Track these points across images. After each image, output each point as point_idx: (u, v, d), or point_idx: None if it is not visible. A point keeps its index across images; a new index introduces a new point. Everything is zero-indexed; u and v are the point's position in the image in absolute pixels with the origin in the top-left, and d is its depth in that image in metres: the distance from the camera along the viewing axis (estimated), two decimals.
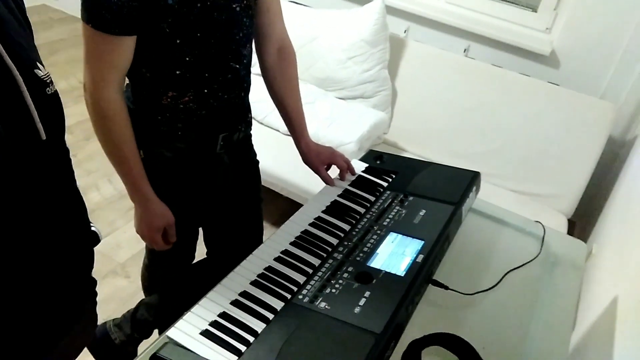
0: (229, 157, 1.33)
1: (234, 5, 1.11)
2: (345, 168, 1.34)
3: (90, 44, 1.03)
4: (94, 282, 0.97)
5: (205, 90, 1.17)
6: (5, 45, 0.67)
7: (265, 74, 1.35)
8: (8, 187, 0.69)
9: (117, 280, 2.11)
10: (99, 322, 1.88)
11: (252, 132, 1.41)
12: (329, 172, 1.37)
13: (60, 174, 0.81)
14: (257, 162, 1.47)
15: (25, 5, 0.82)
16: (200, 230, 1.52)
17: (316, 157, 1.36)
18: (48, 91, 0.75)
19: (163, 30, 1.04)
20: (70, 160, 0.85)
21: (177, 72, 1.11)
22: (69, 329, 0.89)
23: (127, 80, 1.19)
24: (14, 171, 0.69)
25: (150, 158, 1.23)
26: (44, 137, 0.73)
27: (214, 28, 1.09)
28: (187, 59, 1.10)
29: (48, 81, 0.75)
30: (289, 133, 2.30)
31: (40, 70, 0.74)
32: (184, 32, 1.06)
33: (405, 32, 2.80)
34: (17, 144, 0.69)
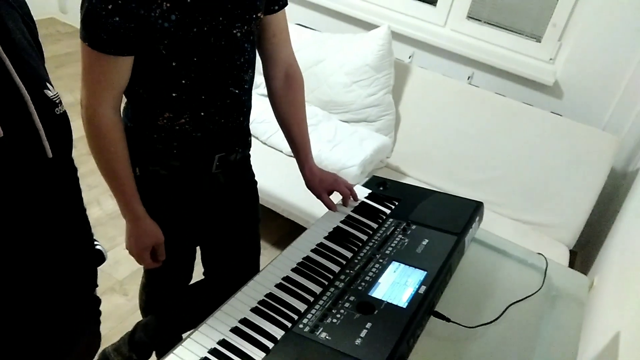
0: (225, 177, 1.33)
1: (235, 31, 1.11)
2: (348, 195, 1.33)
3: (86, 62, 1.04)
4: (98, 301, 0.97)
5: (202, 113, 1.17)
6: (16, 66, 0.69)
7: (271, 98, 1.36)
8: (14, 203, 0.69)
9: (116, 298, 2.09)
10: None
11: (254, 152, 1.41)
12: (331, 195, 1.36)
13: (66, 192, 0.81)
14: (255, 182, 1.47)
15: (34, 19, 0.83)
16: (198, 250, 1.51)
17: (319, 184, 1.36)
18: (57, 111, 0.76)
19: (159, 52, 1.05)
20: (77, 178, 0.85)
21: (173, 95, 1.12)
22: (72, 348, 0.89)
23: (125, 99, 1.20)
24: (19, 188, 0.70)
25: (146, 176, 1.23)
26: (50, 155, 0.74)
27: (211, 52, 1.10)
28: (183, 81, 1.10)
29: (57, 101, 0.77)
30: (292, 154, 2.31)
31: (50, 90, 0.75)
32: (180, 55, 1.06)
33: (410, 57, 2.83)
34: (24, 162, 0.70)
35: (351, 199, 1.34)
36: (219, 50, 1.10)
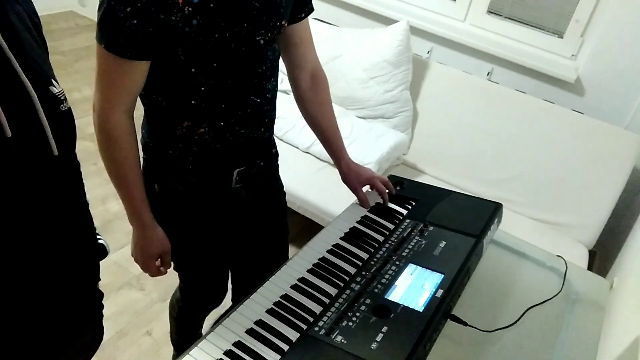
0: (248, 192, 1.29)
1: (258, 38, 1.08)
2: (384, 192, 1.32)
3: (102, 64, 1.02)
4: (100, 295, 0.97)
5: (222, 123, 1.14)
6: (21, 62, 0.68)
7: (300, 101, 1.34)
8: (18, 200, 0.70)
9: (132, 293, 2.11)
10: (112, 333, 1.89)
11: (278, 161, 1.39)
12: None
13: (69, 188, 0.82)
14: (284, 193, 1.44)
15: (53, 12, 0.83)
16: None
17: (356, 178, 1.35)
18: (62, 108, 0.76)
19: (178, 57, 1.02)
20: (80, 174, 0.85)
21: (192, 102, 1.09)
22: (73, 342, 0.89)
23: (144, 112, 1.19)
24: (24, 185, 0.70)
25: (165, 192, 1.22)
26: (55, 152, 0.74)
27: (231, 59, 1.06)
28: (203, 88, 1.07)
29: (62, 98, 0.77)
30: (307, 150, 2.30)
31: (55, 87, 0.75)
32: (199, 60, 1.03)
33: (428, 53, 2.79)
34: (30, 159, 0.70)
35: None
36: (239, 56, 1.07)
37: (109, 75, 1.03)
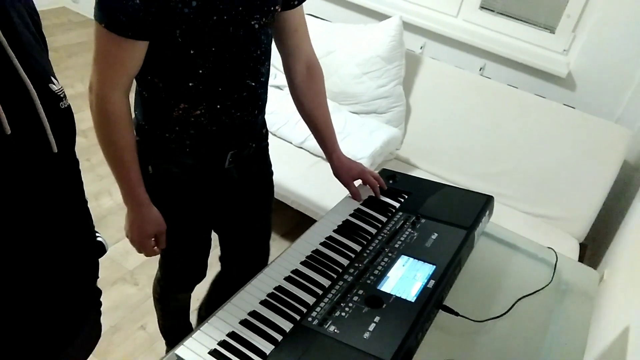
0: (239, 172, 1.33)
1: (253, 22, 1.11)
2: (376, 185, 1.33)
3: (101, 44, 1.02)
4: (98, 293, 0.98)
5: (218, 106, 1.16)
6: (21, 60, 0.68)
7: (294, 91, 1.36)
8: (17, 197, 0.70)
9: (126, 288, 2.12)
10: (107, 328, 1.90)
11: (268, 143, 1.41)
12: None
13: (68, 186, 0.82)
14: (271, 173, 1.47)
15: (45, 8, 0.83)
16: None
17: (347, 172, 1.36)
18: (62, 105, 0.76)
19: (176, 39, 1.04)
20: (79, 171, 0.85)
21: (190, 84, 1.11)
22: (72, 340, 0.89)
23: (138, 95, 1.20)
24: (24, 182, 0.70)
25: (159, 174, 1.23)
26: (55, 149, 0.74)
27: (229, 43, 1.09)
28: (200, 71, 1.10)
29: (62, 95, 0.76)
30: (301, 145, 2.31)
31: (54, 84, 0.75)
32: (198, 43, 1.06)
33: (421, 48, 2.80)
34: (29, 157, 0.70)
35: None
36: (237, 40, 1.10)
37: (108, 55, 1.03)
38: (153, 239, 1.26)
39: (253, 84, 1.19)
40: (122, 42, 1.00)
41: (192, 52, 1.06)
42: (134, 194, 1.18)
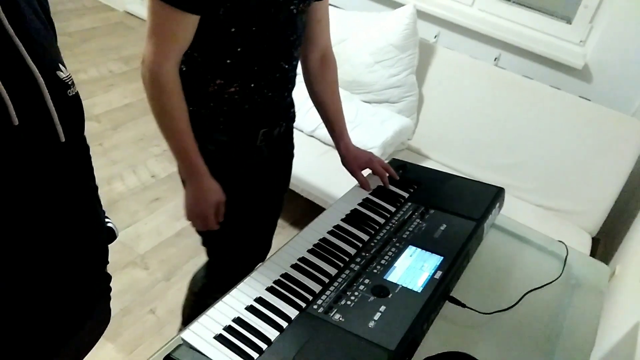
0: (269, 150, 1.35)
1: (292, 7, 1.15)
2: (384, 174, 1.33)
3: (156, 18, 1.05)
4: (108, 278, 0.98)
5: (252, 85, 1.19)
6: (28, 47, 0.67)
7: (307, 76, 1.39)
8: (26, 186, 0.70)
9: (136, 272, 2.13)
10: (117, 310, 1.92)
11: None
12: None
13: (77, 174, 0.81)
14: (293, 155, 1.50)
15: None
16: None
17: (354, 161, 1.37)
18: (69, 93, 0.75)
19: (219, 16, 1.06)
20: (89, 159, 0.85)
21: (228, 61, 1.14)
22: (82, 326, 0.90)
23: None
24: (32, 171, 0.70)
25: None
26: (63, 138, 0.73)
27: (269, 24, 1.12)
28: (239, 49, 1.13)
29: (70, 83, 0.75)
30: (312, 134, 2.30)
31: (62, 72, 0.73)
32: (239, 22, 1.09)
33: (435, 37, 2.77)
34: (36, 145, 0.70)
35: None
36: (276, 23, 1.13)
37: (163, 27, 1.06)
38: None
39: (286, 66, 1.22)
40: (176, 14, 1.03)
41: (232, 30, 1.09)
42: (193, 164, 1.18)
